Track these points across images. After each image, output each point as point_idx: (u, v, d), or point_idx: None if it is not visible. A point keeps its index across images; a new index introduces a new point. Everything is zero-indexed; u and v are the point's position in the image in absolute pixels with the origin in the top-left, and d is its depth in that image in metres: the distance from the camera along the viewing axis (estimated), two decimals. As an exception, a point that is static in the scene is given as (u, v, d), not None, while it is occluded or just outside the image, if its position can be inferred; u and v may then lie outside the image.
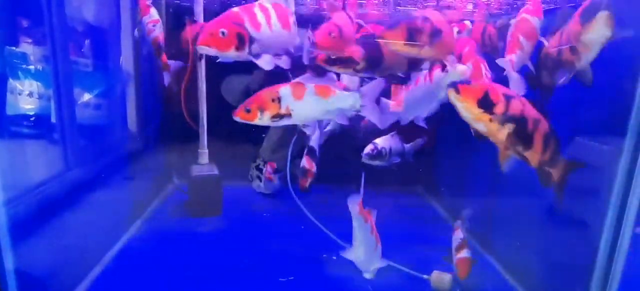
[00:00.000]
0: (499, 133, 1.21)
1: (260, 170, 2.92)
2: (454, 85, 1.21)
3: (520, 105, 1.21)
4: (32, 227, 1.50)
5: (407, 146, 2.29)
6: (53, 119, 1.79)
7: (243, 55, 1.36)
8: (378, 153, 2.10)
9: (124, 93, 2.46)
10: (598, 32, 1.28)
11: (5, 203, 1.34)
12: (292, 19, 1.51)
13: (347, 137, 2.34)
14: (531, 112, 1.23)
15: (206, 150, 2.57)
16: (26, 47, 1.74)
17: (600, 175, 1.41)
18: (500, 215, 2.21)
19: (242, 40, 1.34)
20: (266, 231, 2.48)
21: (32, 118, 1.78)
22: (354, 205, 1.53)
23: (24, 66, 1.75)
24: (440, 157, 2.86)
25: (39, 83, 1.79)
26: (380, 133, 2.13)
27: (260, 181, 2.91)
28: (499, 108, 1.19)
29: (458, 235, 1.84)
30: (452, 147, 2.67)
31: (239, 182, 2.99)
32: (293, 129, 2.59)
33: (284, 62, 1.53)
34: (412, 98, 1.67)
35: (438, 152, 2.82)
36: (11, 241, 1.33)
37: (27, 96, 1.77)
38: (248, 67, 1.51)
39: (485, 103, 1.19)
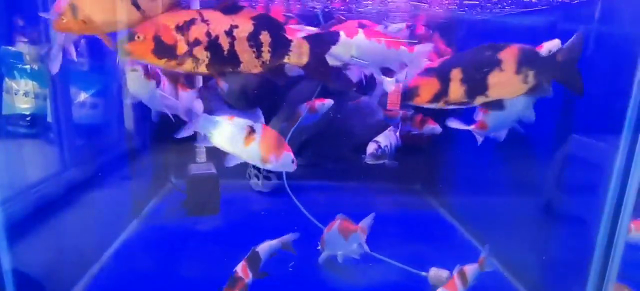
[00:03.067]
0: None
1: (258, 169, 2.91)
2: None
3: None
4: (29, 227, 1.49)
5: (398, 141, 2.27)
6: (49, 119, 1.78)
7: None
8: (382, 152, 2.07)
9: (121, 92, 2.45)
10: None
11: (2, 202, 1.34)
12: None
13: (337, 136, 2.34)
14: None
15: (204, 149, 2.57)
16: (22, 46, 1.73)
17: (596, 172, 1.41)
18: (497, 212, 2.22)
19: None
20: (264, 230, 2.47)
21: (28, 118, 1.77)
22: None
23: (20, 65, 1.74)
24: (439, 155, 2.86)
25: (35, 83, 1.78)
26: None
27: (258, 179, 2.91)
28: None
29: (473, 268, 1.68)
30: (451, 145, 2.68)
31: (236, 180, 2.98)
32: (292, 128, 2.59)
33: None
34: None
35: (437, 150, 2.83)
36: (8, 241, 1.33)
37: (23, 95, 1.76)
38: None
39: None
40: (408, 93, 1.34)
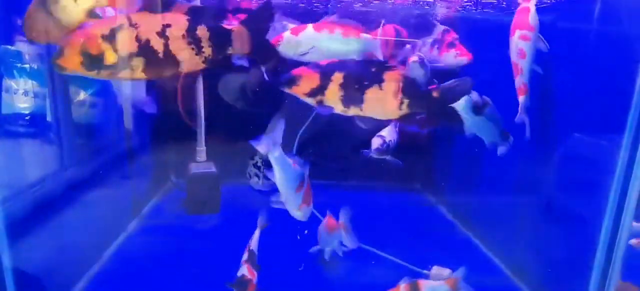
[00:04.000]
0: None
1: (258, 168, 2.91)
2: None
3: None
4: (29, 226, 1.49)
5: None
6: (48, 118, 1.78)
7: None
8: (387, 147, 2.05)
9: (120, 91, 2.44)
10: None
11: (1, 202, 1.33)
12: None
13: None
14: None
15: (204, 148, 2.56)
16: (21, 45, 1.72)
17: (599, 171, 1.41)
18: (499, 212, 2.22)
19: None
20: (264, 229, 2.47)
21: (27, 117, 1.76)
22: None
23: (19, 64, 1.74)
24: (439, 154, 2.86)
25: (34, 82, 1.77)
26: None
27: (258, 178, 2.91)
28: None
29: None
30: (451, 144, 2.68)
31: (236, 179, 2.98)
32: (291, 128, 2.58)
33: None
34: None
35: (437, 149, 2.83)
36: (8, 240, 1.32)
37: (22, 95, 1.76)
38: (246, 66, 1.50)
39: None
40: (288, 80, 1.32)
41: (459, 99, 1.34)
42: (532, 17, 1.52)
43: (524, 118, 1.54)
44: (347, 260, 1.88)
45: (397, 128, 2.20)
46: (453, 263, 1.89)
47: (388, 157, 2.07)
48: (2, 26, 1.66)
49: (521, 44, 1.50)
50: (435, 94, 1.32)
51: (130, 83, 1.90)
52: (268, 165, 2.61)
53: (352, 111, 1.33)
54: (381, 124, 2.18)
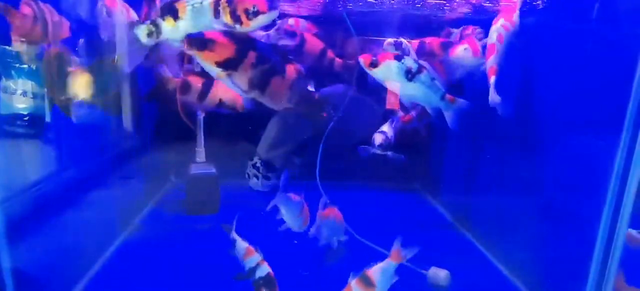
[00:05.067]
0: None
1: (258, 169, 2.92)
2: None
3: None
4: (28, 227, 1.49)
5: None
6: (47, 118, 1.78)
7: None
8: (388, 143, 2.07)
9: (119, 92, 2.45)
10: None
11: (1, 202, 1.33)
12: None
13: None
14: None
15: (203, 149, 2.57)
16: (19, 46, 1.72)
17: (596, 170, 1.41)
18: (497, 212, 2.22)
19: None
20: (263, 230, 2.47)
21: (26, 118, 1.76)
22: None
23: (17, 65, 1.74)
24: (438, 154, 2.86)
25: (33, 83, 1.78)
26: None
27: (258, 179, 2.91)
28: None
29: None
30: (450, 144, 2.68)
31: (236, 180, 2.98)
32: (290, 129, 2.58)
33: None
34: None
35: (436, 149, 2.83)
36: (8, 241, 1.32)
37: (21, 95, 1.76)
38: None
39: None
40: (201, 42, 1.28)
41: (333, 104, 1.40)
42: (516, 16, 1.67)
43: (495, 98, 1.61)
44: (348, 259, 1.88)
45: (392, 126, 2.22)
46: (453, 263, 1.90)
47: (389, 153, 2.08)
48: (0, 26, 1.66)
49: (502, 30, 1.65)
50: (316, 96, 1.36)
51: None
52: (266, 166, 2.63)
53: (253, 94, 1.32)
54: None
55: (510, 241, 2.06)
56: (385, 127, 2.13)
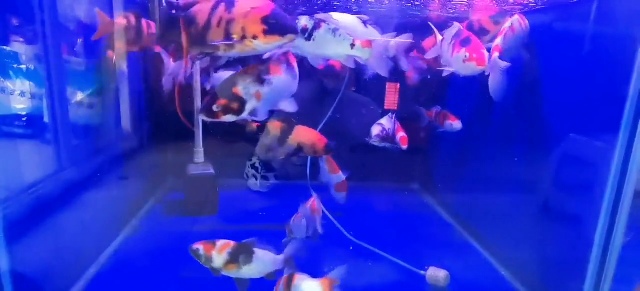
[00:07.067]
0: None
1: (256, 169, 2.92)
2: None
3: None
4: (26, 227, 1.48)
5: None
6: (46, 119, 1.78)
7: None
8: (386, 134, 2.08)
9: (118, 92, 2.45)
10: None
11: (-1, 203, 1.33)
12: None
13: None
14: None
15: (202, 149, 2.56)
16: (18, 46, 1.72)
17: (594, 171, 1.42)
18: (495, 211, 2.22)
19: None
20: (262, 230, 2.47)
21: (24, 118, 1.76)
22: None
23: (15, 65, 1.74)
24: (437, 154, 2.86)
25: (31, 83, 1.77)
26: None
27: (256, 179, 2.91)
28: None
29: None
30: (448, 144, 2.68)
31: (234, 181, 2.98)
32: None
33: None
34: None
35: (434, 149, 2.83)
36: (6, 241, 1.32)
37: (19, 96, 1.75)
38: (245, 66, 1.49)
39: None
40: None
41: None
42: (526, 23, 1.67)
43: (497, 66, 1.55)
44: (346, 259, 1.88)
45: (394, 120, 2.22)
46: (452, 263, 1.90)
47: (388, 145, 2.10)
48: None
49: (517, 24, 1.66)
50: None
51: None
52: (265, 166, 2.63)
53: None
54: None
55: (509, 241, 2.06)
56: (384, 120, 2.16)
